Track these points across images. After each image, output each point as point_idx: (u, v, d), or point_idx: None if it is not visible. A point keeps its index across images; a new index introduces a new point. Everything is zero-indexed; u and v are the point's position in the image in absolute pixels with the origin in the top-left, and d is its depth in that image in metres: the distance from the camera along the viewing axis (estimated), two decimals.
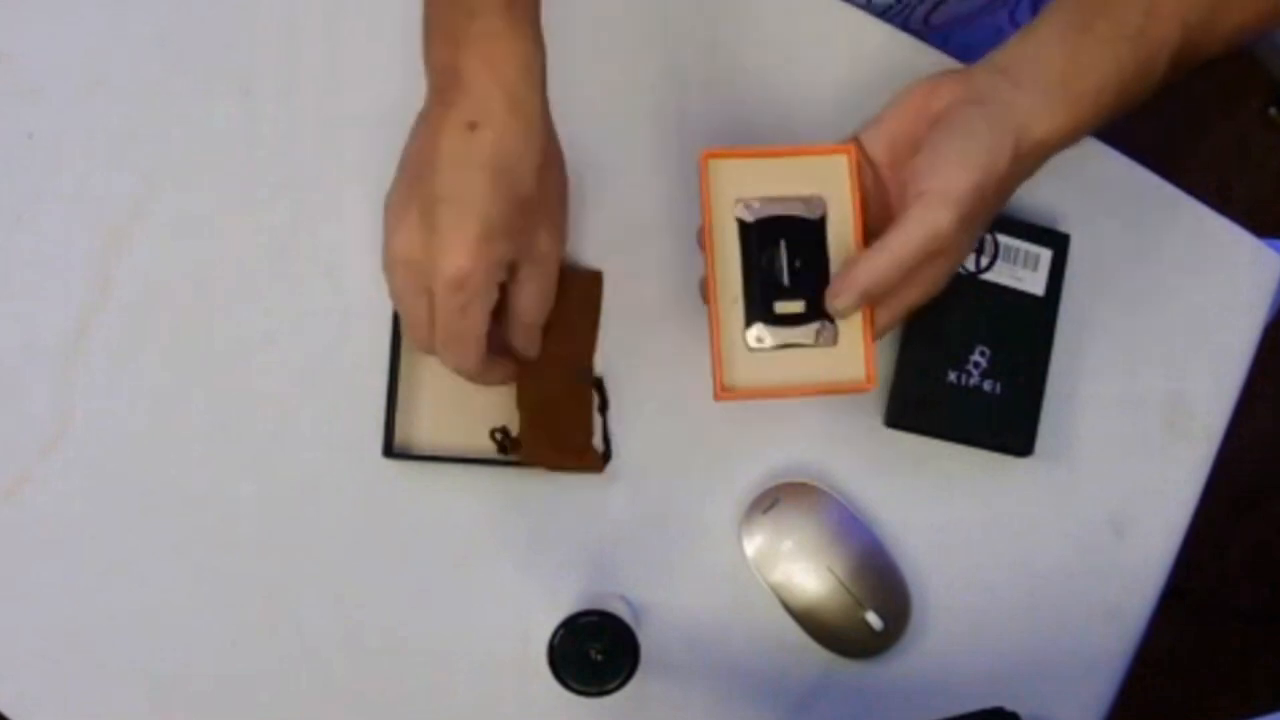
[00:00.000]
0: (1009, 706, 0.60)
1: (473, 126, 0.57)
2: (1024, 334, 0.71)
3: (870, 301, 0.60)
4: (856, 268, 0.59)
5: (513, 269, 0.61)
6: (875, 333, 0.62)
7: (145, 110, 0.73)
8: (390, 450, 0.68)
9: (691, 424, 0.71)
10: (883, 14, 0.76)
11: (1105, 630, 0.71)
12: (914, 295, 0.61)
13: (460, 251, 0.56)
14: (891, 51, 0.75)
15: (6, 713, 0.69)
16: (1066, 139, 0.60)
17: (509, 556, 0.70)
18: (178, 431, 0.70)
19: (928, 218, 0.57)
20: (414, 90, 0.73)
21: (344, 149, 0.72)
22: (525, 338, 0.65)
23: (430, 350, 0.62)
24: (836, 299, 0.59)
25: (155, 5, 0.73)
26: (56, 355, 0.70)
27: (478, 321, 0.59)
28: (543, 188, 0.59)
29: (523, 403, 0.68)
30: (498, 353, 0.63)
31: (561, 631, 0.60)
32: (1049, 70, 0.59)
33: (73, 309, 0.71)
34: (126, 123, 0.72)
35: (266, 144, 0.73)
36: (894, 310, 0.62)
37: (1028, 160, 0.59)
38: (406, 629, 0.70)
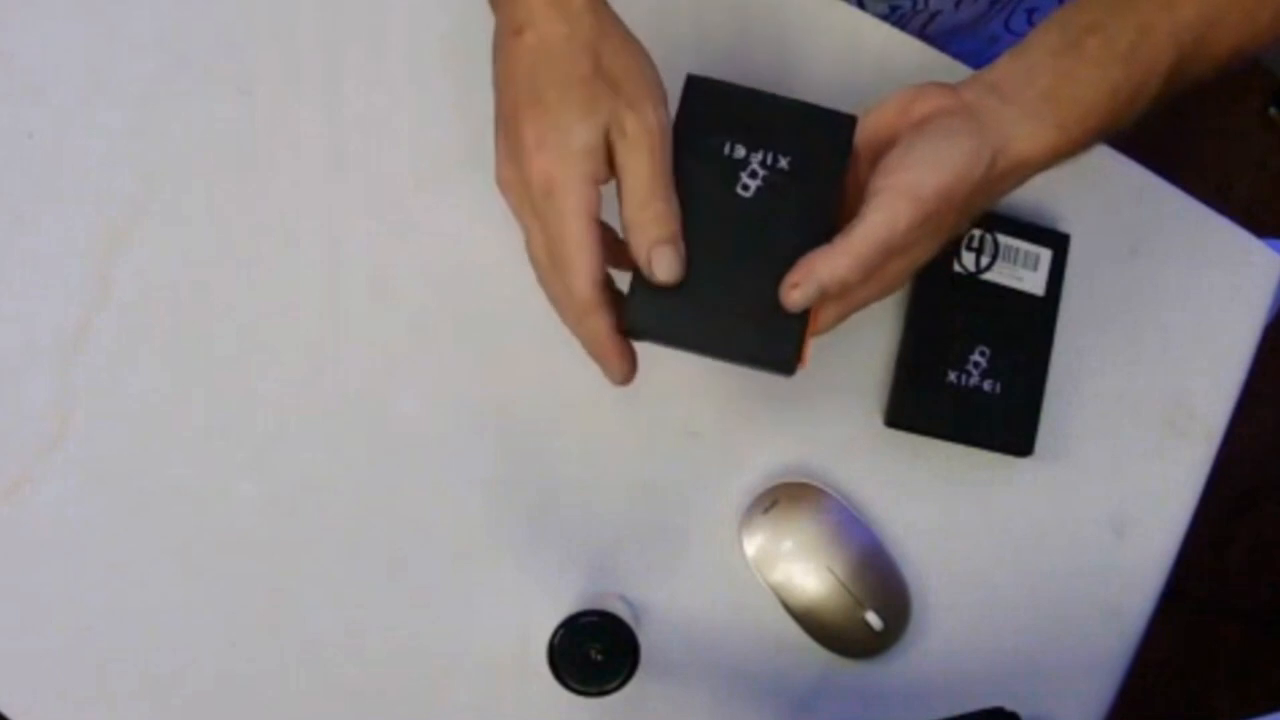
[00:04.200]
0: (1009, 706, 0.60)
1: (518, 32, 0.57)
2: (1024, 334, 0.71)
3: (827, 297, 0.57)
4: (816, 263, 0.56)
5: (611, 159, 0.57)
6: (818, 326, 0.59)
7: (145, 110, 0.73)
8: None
9: (691, 424, 0.71)
10: None
11: (1105, 630, 0.71)
12: (868, 294, 0.59)
13: (536, 157, 0.55)
14: (891, 53, 0.75)
15: (6, 713, 0.69)
16: (1052, 157, 0.58)
17: (509, 556, 0.70)
18: (178, 431, 0.70)
19: (889, 212, 0.55)
20: (413, 90, 0.74)
21: (343, 149, 0.72)
22: (645, 258, 0.57)
23: (551, 284, 0.58)
24: (792, 292, 0.56)
25: (155, 5, 0.73)
26: (56, 355, 0.70)
27: (580, 225, 0.55)
28: (603, 66, 0.56)
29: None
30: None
31: (561, 631, 0.60)
32: (1037, 88, 0.58)
33: (73, 309, 0.71)
34: (126, 123, 0.72)
35: (266, 144, 0.73)
36: (845, 306, 0.59)
37: (1007, 176, 0.58)
38: (406, 629, 0.70)
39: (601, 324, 0.57)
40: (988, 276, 0.71)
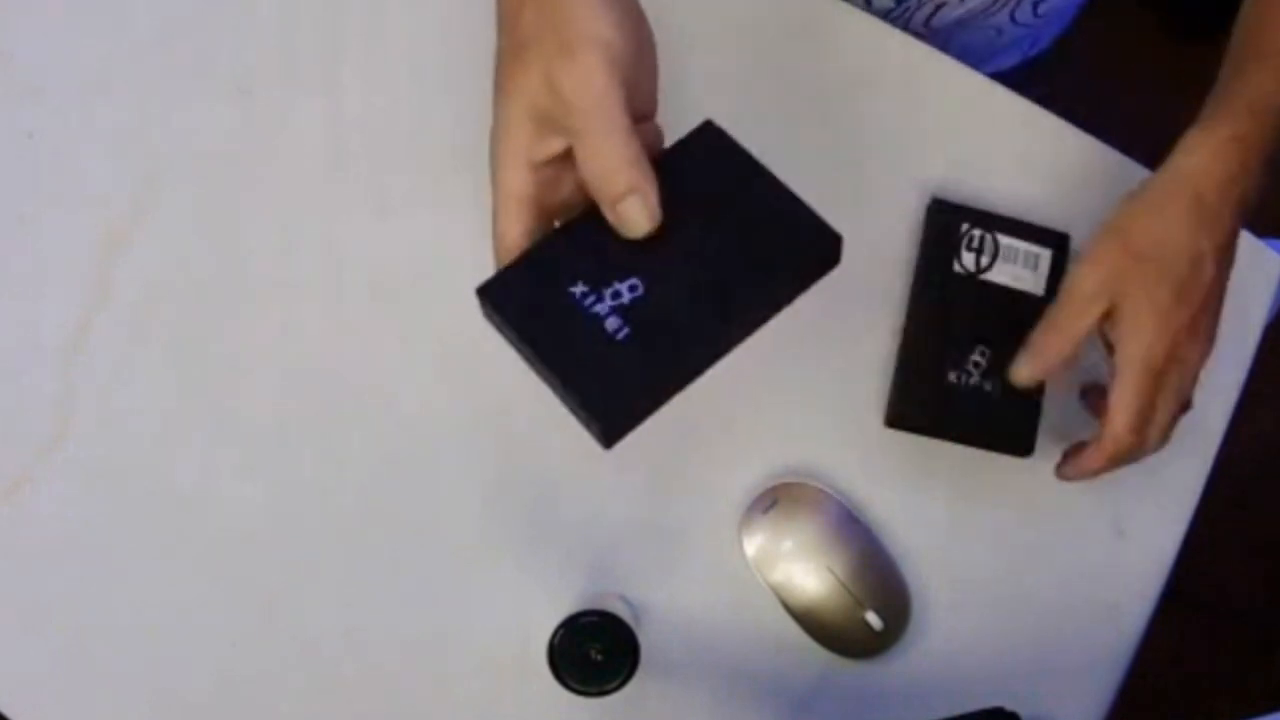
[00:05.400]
0: (1009, 706, 0.60)
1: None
2: (1024, 334, 0.70)
3: (1053, 369, 0.64)
4: (1030, 337, 0.64)
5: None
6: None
7: (145, 110, 0.73)
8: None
9: (691, 424, 0.71)
10: (883, 18, 0.76)
11: (1105, 630, 0.71)
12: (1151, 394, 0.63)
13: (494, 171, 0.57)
14: (892, 51, 0.75)
15: (6, 713, 0.69)
16: (1234, 148, 0.61)
17: (509, 556, 0.70)
18: (177, 431, 0.70)
19: (1069, 279, 0.63)
20: (413, 90, 0.74)
21: (343, 149, 0.72)
22: (614, 215, 0.55)
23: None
24: (1016, 367, 0.65)
25: (155, 5, 0.73)
26: (56, 355, 0.70)
27: (499, 199, 0.58)
28: (544, 19, 0.54)
29: None
30: None
31: (561, 631, 0.60)
32: (1201, 119, 0.62)
33: (73, 309, 0.71)
34: (126, 123, 0.72)
35: (266, 144, 0.73)
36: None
37: (1179, 190, 0.62)
38: (406, 629, 0.70)
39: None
40: (988, 276, 0.71)
